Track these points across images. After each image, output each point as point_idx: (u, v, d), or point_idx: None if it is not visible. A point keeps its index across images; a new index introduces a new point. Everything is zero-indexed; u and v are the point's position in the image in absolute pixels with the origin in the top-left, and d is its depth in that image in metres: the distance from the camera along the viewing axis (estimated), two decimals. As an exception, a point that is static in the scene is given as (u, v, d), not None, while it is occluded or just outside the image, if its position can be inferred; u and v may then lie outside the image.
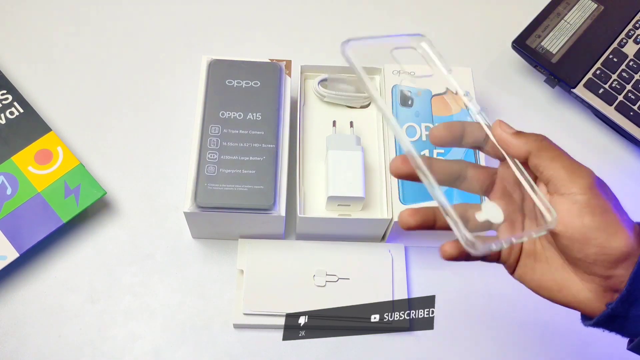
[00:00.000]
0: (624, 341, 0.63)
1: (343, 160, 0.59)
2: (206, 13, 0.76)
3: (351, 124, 0.64)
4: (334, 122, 0.64)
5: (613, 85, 0.71)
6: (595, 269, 0.37)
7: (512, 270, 0.42)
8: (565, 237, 0.37)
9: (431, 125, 0.62)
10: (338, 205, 0.59)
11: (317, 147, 0.63)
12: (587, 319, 0.41)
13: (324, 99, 0.65)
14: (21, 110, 0.64)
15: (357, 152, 0.60)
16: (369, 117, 0.66)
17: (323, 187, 0.61)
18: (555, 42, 0.73)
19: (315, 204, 0.61)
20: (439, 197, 0.36)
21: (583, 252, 0.37)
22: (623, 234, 0.36)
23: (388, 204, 0.59)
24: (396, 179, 0.59)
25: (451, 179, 0.41)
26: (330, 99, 0.65)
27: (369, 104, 0.66)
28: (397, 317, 0.58)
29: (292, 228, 0.63)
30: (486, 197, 0.42)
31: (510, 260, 0.41)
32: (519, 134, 0.38)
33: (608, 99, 0.70)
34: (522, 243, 0.41)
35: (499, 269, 0.65)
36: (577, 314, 0.63)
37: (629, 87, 0.71)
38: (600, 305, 0.39)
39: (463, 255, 0.38)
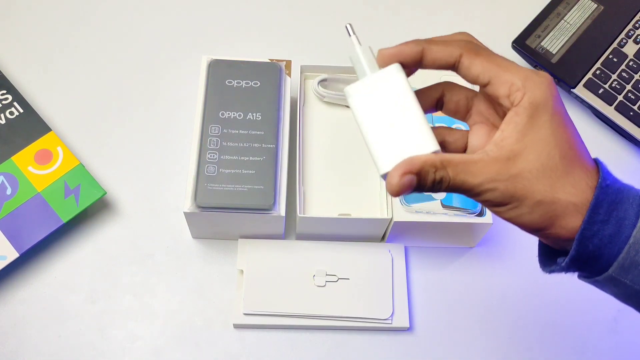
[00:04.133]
0: (624, 340, 0.63)
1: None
2: (206, 13, 0.76)
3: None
4: (350, 26, 0.41)
5: (613, 85, 0.71)
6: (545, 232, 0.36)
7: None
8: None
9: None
10: None
11: (317, 147, 0.63)
12: (545, 265, 0.38)
13: (324, 99, 0.65)
14: (21, 110, 0.64)
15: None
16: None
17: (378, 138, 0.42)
18: (555, 42, 0.73)
19: (315, 204, 0.61)
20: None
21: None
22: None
23: (388, 204, 0.59)
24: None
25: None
26: (330, 99, 0.65)
27: None
28: (397, 317, 0.58)
29: (292, 228, 0.63)
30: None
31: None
32: (419, 187, 0.35)
33: (608, 99, 0.70)
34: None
35: (498, 269, 0.65)
36: (577, 314, 0.64)
37: (628, 87, 0.71)
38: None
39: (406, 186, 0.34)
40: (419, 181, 0.34)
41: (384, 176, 0.36)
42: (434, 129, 0.38)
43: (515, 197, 0.34)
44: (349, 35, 0.39)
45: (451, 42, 0.36)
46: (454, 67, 0.36)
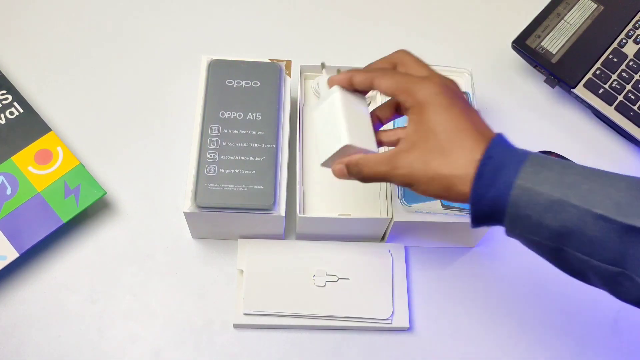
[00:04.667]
0: (624, 340, 0.63)
1: (353, 108, 0.50)
2: (206, 13, 0.76)
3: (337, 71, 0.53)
4: (323, 64, 0.55)
5: (613, 85, 0.71)
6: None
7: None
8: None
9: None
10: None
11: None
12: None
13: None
14: (21, 110, 0.64)
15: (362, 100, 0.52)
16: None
17: (323, 138, 0.51)
18: (555, 42, 0.73)
19: (315, 204, 0.61)
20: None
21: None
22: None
23: (388, 204, 0.59)
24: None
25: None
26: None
27: (369, 104, 0.66)
28: (397, 317, 0.58)
29: (292, 228, 0.63)
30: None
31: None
32: (349, 174, 0.49)
33: (608, 99, 0.70)
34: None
35: (498, 269, 0.65)
36: (577, 314, 0.64)
37: (628, 87, 0.71)
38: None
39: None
40: (348, 170, 0.48)
41: (322, 164, 0.50)
42: (377, 133, 0.50)
43: (413, 178, 0.44)
44: (322, 68, 0.54)
45: (370, 70, 0.49)
46: (373, 88, 0.48)
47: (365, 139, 0.48)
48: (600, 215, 0.39)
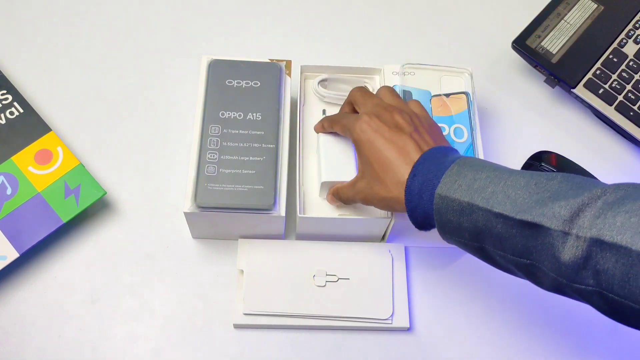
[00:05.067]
0: (624, 340, 0.63)
1: (335, 144, 0.60)
2: (206, 13, 0.76)
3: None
4: (324, 111, 0.64)
5: (613, 85, 0.71)
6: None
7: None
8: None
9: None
10: None
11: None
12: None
13: (324, 99, 0.65)
14: (21, 110, 0.64)
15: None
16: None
17: (316, 175, 0.61)
18: (555, 42, 0.73)
19: (315, 204, 0.61)
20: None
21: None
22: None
23: (388, 204, 0.59)
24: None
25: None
26: (330, 99, 0.65)
27: None
28: (397, 317, 0.58)
29: (292, 228, 0.63)
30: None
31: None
32: (333, 200, 0.60)
33: (608, 99, 0.70)
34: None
35: (498, 270, 0.65)
36: (577, 314, 0.64)
37: (629, 87, 0.71)
38: None
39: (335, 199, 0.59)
40: (334, 197, 0.59)
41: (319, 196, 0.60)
42: None
43: (368, 200, 0.53)
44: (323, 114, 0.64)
45: (334, 116, 0.59)
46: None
47: (342, 172, 0.58)
48: (500, 213, 0.43)
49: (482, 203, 0.44)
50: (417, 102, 0.57)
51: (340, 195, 0.57)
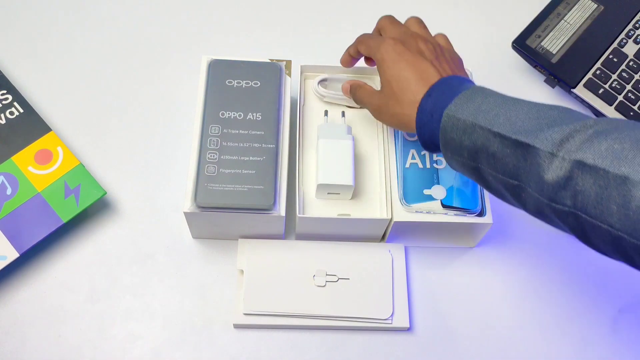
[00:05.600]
0: (624, 340, 0.63)
1: (333, 148, 0.60)
2: (206, 13, 0.76)
3: (342, 113, 0.64)
4: (326, 112, 0.65)
5: (613, 85, 0.71)
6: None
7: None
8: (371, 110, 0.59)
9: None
10: (328, 193, 0.60)
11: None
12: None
13: (324, 99, 0.65)
14: (21, 110, 0.64)
15: (347, 141, 0.60)
16: (367, 116, 0.65)
17: (314, 176, 0.61)
18: (555, 42, 0.73)
19: (315, 204, 0.61)
20: None
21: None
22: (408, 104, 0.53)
23: (388, 203, 0.59)
24: (395, 179, 0.60)
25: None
26: (330, 99, 0.65)
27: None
28: (397, 317, 0.58)
29: (292, 228, 0.63)
30: None
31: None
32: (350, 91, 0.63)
33: (608, 99, 0.70)
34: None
35: (498, 269, 0.65)
36: (577, 314, 0.64)
37: (629, 87, 0.71)
38: None
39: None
40: (350, 90, 0.62)
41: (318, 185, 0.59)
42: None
43: (378, 111, 0.57)
44: (342, 116, 0.65)
45: (359, 39, 0.61)
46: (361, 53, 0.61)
47: (339, 175, 0.59)
48: (497, 133, 0.46)
49: (484, 123, 0.47)
50: (444, 35, 0.59)
51: (357, 93, 0.60)
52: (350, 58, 0.62)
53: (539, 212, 0.46)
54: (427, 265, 0.63)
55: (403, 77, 0.53)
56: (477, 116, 0.47)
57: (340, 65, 0.64)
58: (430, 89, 0.52)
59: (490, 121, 0.47)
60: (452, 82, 0.52)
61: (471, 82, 0.52)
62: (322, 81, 0.65)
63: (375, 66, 0.58)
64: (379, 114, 0.57)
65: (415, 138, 0.62)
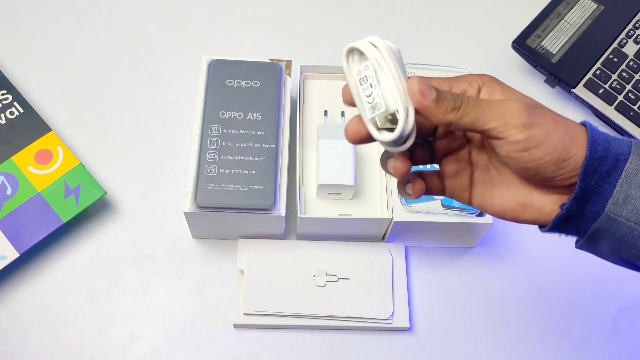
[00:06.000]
0: (624, 340, 0.63)
1: (333, 148, 0.60)
2: (206, 13, 0.76)
3: (342, 113, 0.64)
4: (326, 112, 0.64)
5: (613, 85, 0.71)
6: (555, 182, 0.38)
7: (468, 201, 0.42)
8: (525, 170, 0.38)
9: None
10: (328, 193, 0.60)
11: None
12: (544, 226, 0.40)
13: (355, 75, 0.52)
14: (21, 110, 0.64)
15: (347, 141, 0.60)
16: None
17: (314, 176, 0.61)
18: (555, 42, 0.73)
19: (315, 204, 0.61)
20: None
21: (544, 175, 0.38)
22: (576, 143, 0.37)
23: (388, 203, 0.59)
24: (395, 179, 0.59)
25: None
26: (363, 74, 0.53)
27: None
28: (397, 317, 0.58)
29: (292, 228, 0.63)
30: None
31: (457, 191, 0.42)
32: (437, 102, 0.36)
33: (608, 99, 0.70)
34: (471, 173, 0.42)
35: (498, 269, 0.65)
36: (577, 314, 0.64)
37: (629, 87, 0.71)
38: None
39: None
40: (438, 97, 0.36)
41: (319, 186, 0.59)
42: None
43: (538, 140, 0.36)
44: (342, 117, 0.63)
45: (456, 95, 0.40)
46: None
47: (340, 175, 0.58)
48: None
49: None
50: None
51: (473, 112, 0.37)
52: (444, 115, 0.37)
53: None
54: (427, 265, 0.63)
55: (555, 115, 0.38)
56: None
57: (339, 64, 0.64)
58: (592, 126, 0.38)
59: None
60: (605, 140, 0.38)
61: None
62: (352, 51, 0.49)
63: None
64: (536, 141, 0.37)
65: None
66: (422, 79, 0.37)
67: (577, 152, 0.37)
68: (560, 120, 0.38)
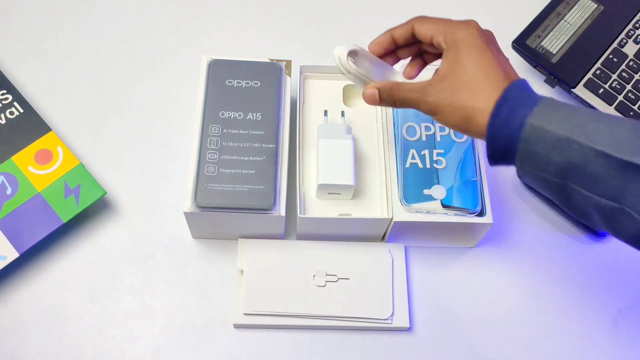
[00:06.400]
0: (624, 340, 0.63)
1: (333, 148, 0.60)
2: (206, 13, 0.76)
3: (342, 113, 0.64)
4: (326, 112, 0.64)
5: (613, 85, 0.71)
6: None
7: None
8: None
9: (431, 125, 0.62)
10: (328, 193, 0.60)
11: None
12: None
13: (348, 74, 0.54)
14: (21, 110, 0.64)
15: (347, 140, 0.60)
16: (367, 116, 0.66)
17: (314, 176, 0.61)
18: (555, 42, 0.73)
19: (315, 204, 0.61)
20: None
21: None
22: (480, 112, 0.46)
23: (388, 203, 0.59)
24: (396, 179, 0.60)
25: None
26: (352, 77, 0.54)
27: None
28: (397, 317, 0.58)
29: (292, 228, 0.63)
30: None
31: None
32: (380, 101, 0.53)
33: (608, 99, 0.70)
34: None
35: (498, 269, 0.65)
36: (577, 314, 0.64)
37: (629, 87, 0.71)
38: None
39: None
40: (380, 95, 0.52)
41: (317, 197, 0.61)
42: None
43: (439, 107, 0.48)
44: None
45: (404, 24, 0.54)
46: (413, 36, 0.53)
47: (341, 175, 0.58)
48: (602, 152, 0.41)
49: (582, 139, 0.42)
50: None
51: (397, 95, 0.51)
52: (390, 42, 0.54)
53: (638, 240, 0.43)
54: (427, 265, 0.63)
55: (485, 65, 0.47)
56: (571, 129, 0.42)
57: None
58: (509, 90, 0.46)
59: (590, 137, 0.42)
60: (527, 88, 0.46)
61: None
62: (352, 52, 0.54)
63: (402, 61, 0.53)
64: (439, 106, 0.48)
65: (464, 139, 0.61)
66: (373, 87, 0.53)
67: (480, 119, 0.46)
68: (464, 91, 0.47)
